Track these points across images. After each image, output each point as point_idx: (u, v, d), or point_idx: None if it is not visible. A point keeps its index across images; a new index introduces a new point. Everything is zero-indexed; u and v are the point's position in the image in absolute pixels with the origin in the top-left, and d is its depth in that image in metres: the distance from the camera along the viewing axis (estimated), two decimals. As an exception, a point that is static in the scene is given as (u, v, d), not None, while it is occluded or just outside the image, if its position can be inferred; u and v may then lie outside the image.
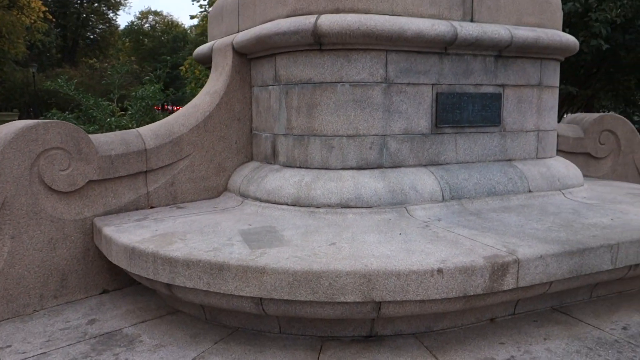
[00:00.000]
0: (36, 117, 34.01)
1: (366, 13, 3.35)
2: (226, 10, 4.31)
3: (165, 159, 3.69)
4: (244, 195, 3.66)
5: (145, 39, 54.64)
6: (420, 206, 3.37)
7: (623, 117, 5.49)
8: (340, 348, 2.67)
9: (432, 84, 3.59)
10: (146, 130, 3.69)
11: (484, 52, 3.72)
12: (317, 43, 3.33)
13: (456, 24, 3.52)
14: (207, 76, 23.10)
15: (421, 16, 3.50)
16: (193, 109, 3.86)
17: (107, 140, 3.51)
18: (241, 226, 3.08)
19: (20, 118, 48.67)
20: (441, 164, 3.69)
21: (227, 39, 4.02)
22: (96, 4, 45.89)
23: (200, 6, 21.55)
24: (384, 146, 3.49)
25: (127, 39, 55.22)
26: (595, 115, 5.48)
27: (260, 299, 2.52)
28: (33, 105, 33.47)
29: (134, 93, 8.20)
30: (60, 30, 43.70)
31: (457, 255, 2.58)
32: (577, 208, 3.60)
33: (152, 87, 8.56)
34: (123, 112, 9.07)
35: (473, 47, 3.62)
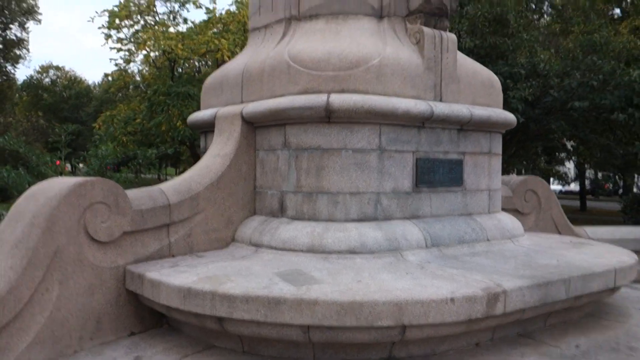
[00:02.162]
0: None
1: (365, 94, 4.10)
2: (227, 83, 4.92)
3: (185, 213, 4.15)
4: (257, 245, 4.18)
5: (45, 94, 52.84)
6: (410, 252, 4.07)
7: (542, 179, 6.60)
8: (368, 368, 3.25)
9: (413, 151, 4.38)
10: (167, 187, 4.16)
11: (450, 126, 4.59)
12: (327, 117, 4.03)
13: (431, 103, 4.37)
14: (127, 134, 22.76)
15: (405, 97, 4.31)
16: (206, 169, 4.38)
17: (137, 196, 3.94)
18: (272, 269, 3.61)
19: None
20: (420, 217, 4.44)
21: (233, 109, 4.61)
22: (-7, 56, 44.02)
23: (116, 64, 21.50)
24: (378, 202, 4.19)
25: (24, 93, 53.05)
26: (521, 177, 6.54)
27: (308, 326, 3.06)
28: None
29: (91, 152, 8.42)
30: (-49, 81, 41.31)
31: (460, 288, 3.28)
32: (528, 253, 4.46)
33: (105, 147, 8.81)
34: (71, 171, 9.20)
35: (443, 122, 4.47)
